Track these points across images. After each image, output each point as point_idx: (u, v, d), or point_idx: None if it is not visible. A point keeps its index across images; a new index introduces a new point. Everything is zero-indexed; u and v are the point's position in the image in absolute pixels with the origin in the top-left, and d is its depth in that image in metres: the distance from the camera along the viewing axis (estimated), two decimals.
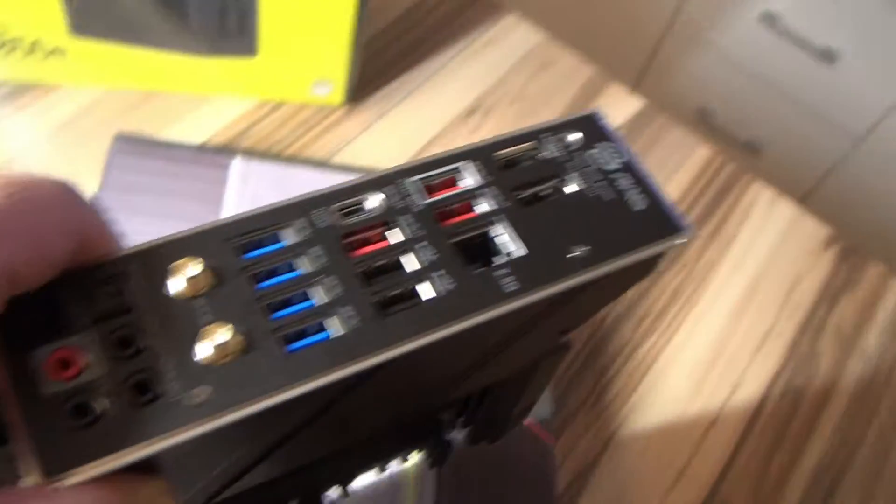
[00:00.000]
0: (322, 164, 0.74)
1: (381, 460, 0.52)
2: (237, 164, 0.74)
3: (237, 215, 0.27)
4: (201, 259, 0.26)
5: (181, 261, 0.26)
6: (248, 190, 0.73)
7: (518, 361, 0.40)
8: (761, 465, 0.59)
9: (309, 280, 0.27)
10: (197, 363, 0.25)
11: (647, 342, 0.66)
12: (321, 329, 0.26)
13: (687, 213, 0.75)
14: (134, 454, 0.24)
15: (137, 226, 0.64)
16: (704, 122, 1.91)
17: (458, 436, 0.54)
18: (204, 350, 0.25)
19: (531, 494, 0.54)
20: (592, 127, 0.33)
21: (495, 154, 0.31)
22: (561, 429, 0.59)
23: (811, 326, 0.70)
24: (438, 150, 0.71)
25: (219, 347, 0.25)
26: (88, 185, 0.66)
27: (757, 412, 0.61)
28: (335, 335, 0.26)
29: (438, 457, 0.54)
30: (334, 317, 0.26)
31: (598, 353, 0.64)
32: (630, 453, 0.59)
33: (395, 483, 0.53)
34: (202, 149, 0.75)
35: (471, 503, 0.52)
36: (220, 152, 0.75)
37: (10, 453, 0.24)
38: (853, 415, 0.65)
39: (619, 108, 0.82)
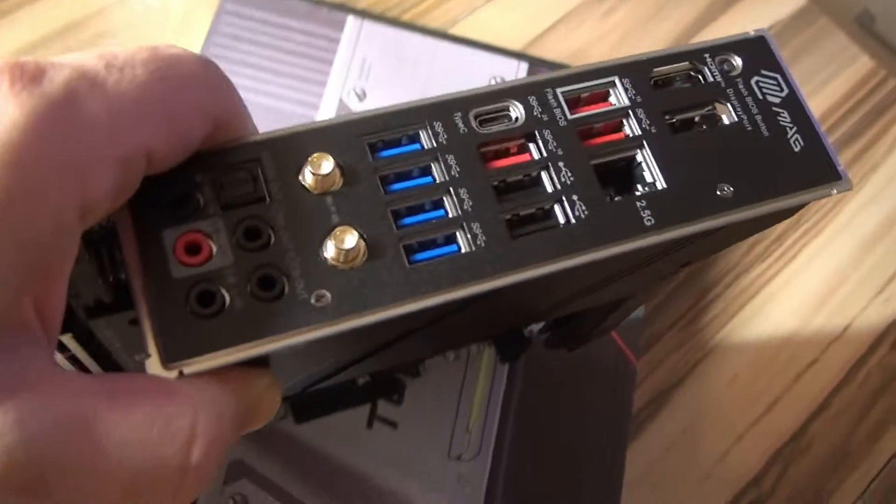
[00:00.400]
0: (439, 34, 0.72)
1: (457, 348, 0.53)
2: (350, 24, 0.72)
3: (373, 111, 0.27)
4: (334, 155, 0.25)
5: (314, 155, 0.25)
6: (358, 51, 0.71)
7: (626, 290, 0.39)
8: (856, 415, 0.56)
9: (441, 188, 0.26)
10: (323, 264, 0.25)
11: (756, 268, 0.64)
12: (449, 242, 0.26)
13: (831, 132, 0.69)
14: (256, 349, 0.24)
15: (244, 79, 0.63)
16: (869, 30, 1.77)
17: (536, 337, 0.54)
18: (330, 252, 0.25)
19: (606, 406, 0.54)
20: (759, 52, 0.30)
21: (648, 72, 0.29)
22: (648, 345, 0.58)
23: None
24: (564, 31, 0.68)
25: (345, 252, 0.25)
26: (198, 30, 0.65)
27: (863, 359, 0.58)
28: (462, 250, 0.26)
29: (512, 352, 0.54)
30: (463, 230, 0.26)
31: (701, 273, 0.62)
32: (717, 381, 0.58)
33: (466, 369, 0.53)
34: (317, 4, 0.73)
35: (543, 403, 0.52)
36: (334, 9, 0.72)
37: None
38: None
39: (777, 3, 0.75)
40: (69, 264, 0.21)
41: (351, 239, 0.24)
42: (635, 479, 0.53)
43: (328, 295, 0.24)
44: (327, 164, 0.25)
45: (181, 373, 0.23)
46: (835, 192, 0.28)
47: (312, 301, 0.24)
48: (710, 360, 0.59)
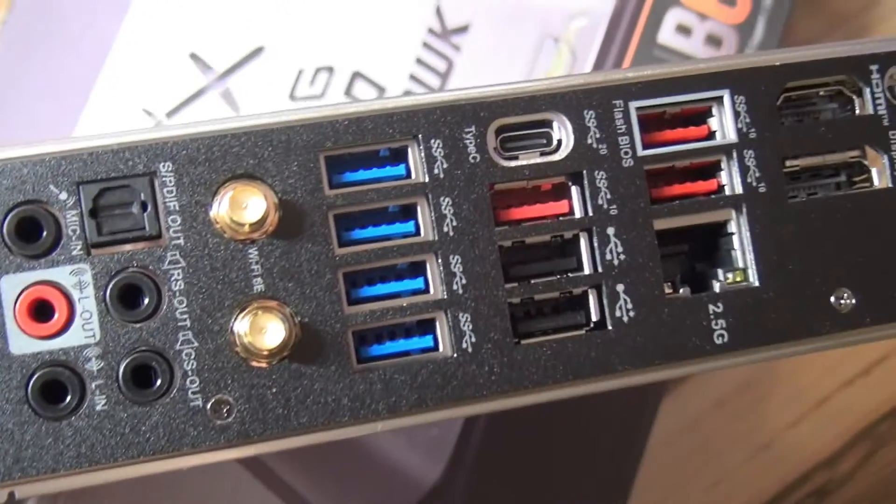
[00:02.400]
0: None
1: None
2: None
3: (341, 106, 0.20)
4: (270, 181, 0.19)
5: (237, 187, 0.19)
6: None
7: None
8: None
9: (425, 248, 0.20)
10: (230, 355, 0.19)
11: None
12: (423, 332, 0.20)
13: None
14: (111, 474, 0.18)
15: None
16: None
17: None
18: (244, 338, 0.19)
19: None
20: None
21: (777, 85, 0.22)
22: None
23: None
24: None
25: (265, 345, 0.19)
26: None
27: None
28: (440, 351, 0.20)
29: None
30: (447, 320, 0.20)
31: None
32: None
33: None
34: None
35: None
36: None
37: None
38: None
39: None
40: None
41: (276, 329, 0.19)
42: (665, 440, 0.46)
43: (231, 404, 0.19)
44: (256, 205, 0.19)
45: (11, 496, 0.18)
46: None
47: (208, 411, 0.19)
48: None
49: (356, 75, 0.36)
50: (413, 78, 0.37)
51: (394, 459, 0.37)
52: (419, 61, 0.37)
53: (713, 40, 0.39)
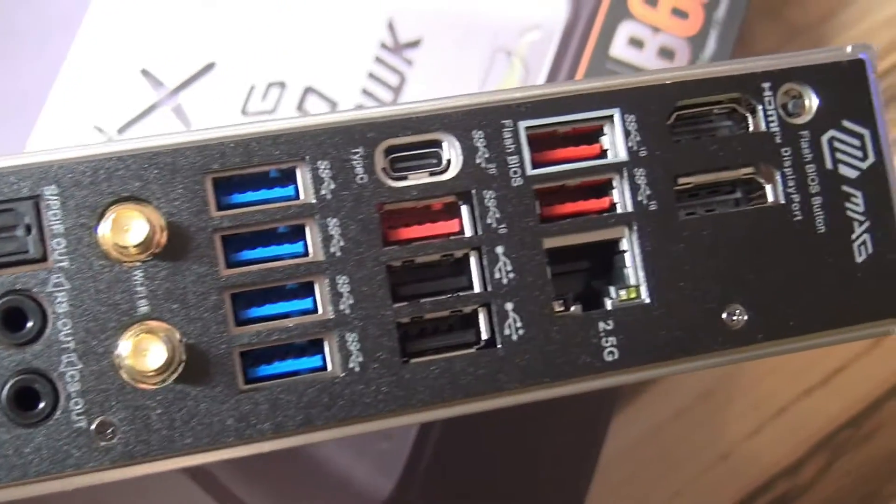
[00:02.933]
0: None
1: None
2: None
3: (229, 129, 0.20)
4: (156, 202, 0.19)
5: (121, 209, 0.19)
6: None
7: None
8: None
9: (313, 269, 0.20)
10: (114, 376, 0.19)
11: None
12: (312, 352, 0.20)
13: None
14: None
15: None
16: None
17: None
18: (128, 360, 0.19)
19: None
20: (850, 87, 0.22)
21: (669, 103, 0.22)
22: None
23: None
24: None
25: (149, 366, 0.19)
26: None
27: None
28: (329, 370, 0.20)
29: None
30: (334, 340, 0.20)
31: None
32: None
33: None
34: None
35: None
36: None
37: None
38: None
39: None
40: None
41: (158, 350, 0.19)
42: (625, 450, 0.46)
43: (115, 426, 0.19)
44: (139, 227, 0.19)
45: None
46: None
47: (92, 433, 0.19)
48: None
49: (308, 90, 0.36)
50: (365, 92, 0.37)
51: (344, 474, 0.38)
52: (371, 76, 0.37)
53: (666, 53, 0.39)
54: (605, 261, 0.22)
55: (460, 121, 0.21)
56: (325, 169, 0.20)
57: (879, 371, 0.48)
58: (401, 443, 0.39)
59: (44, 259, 0.19)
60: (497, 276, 0.21)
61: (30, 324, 0.19)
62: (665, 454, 0.45)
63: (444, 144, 0.21)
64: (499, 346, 0.21)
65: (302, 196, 0.20)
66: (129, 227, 0.19)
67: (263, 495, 0.39)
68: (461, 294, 0.21)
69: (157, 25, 0.39)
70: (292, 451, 0.35)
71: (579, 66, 0.38)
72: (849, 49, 0.22)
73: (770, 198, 0.22)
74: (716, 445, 0.45)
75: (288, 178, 0.21)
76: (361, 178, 0.20)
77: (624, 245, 0.22)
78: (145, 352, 0.19)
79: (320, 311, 0.21)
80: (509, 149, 0.21)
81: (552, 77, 0.38)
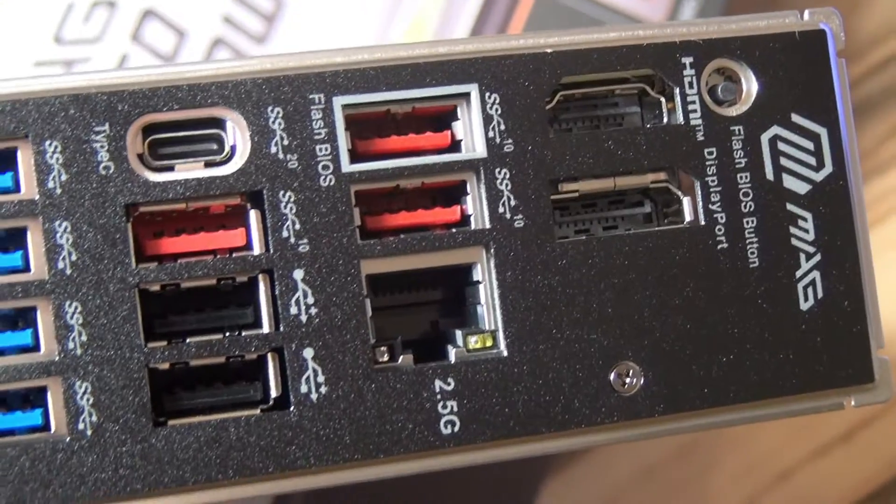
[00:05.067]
0: None
1: None
2: None
3: None
4: None
5: None
6: None
7: None
8: None
9: (24, 291, 0.20)
10: None
11: None
12: (29, 405, 0.20)
13: None
14: None
15: None
16: None
17: None
18: None
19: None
20: (800, 69, 0.22)
21: (549, 80, 0.21)
22: None
23: None
24: None
25: None
26: None
27: None
28: (53, 431, 0.19)
29: None
30: (63, 390, 0.20)
31: None
32: None
33: None
34: None
35: None
36: None
37: None
38: None
39: None
40: None
41: None
42: None
43: None
44: None
45: None
46: (853, 403, 0.22)
47: None
48: None
49: (148, 13, 0.35)
50: (229, 21, 0.36)
51: None
52: None
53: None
54: (455, 293, 0.21)
55: (250, 92, 0.20)
56: (54, 152, 0.19)
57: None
58: None
59: None
60: (294, 310, 0.20)
61: None
62: None
63: (228, 125, 0.21)
64: (292, 407, 0.20)
65: (23, 189, 0.20)
66: None
67: None
68: (243, 334, 0.20)
69: None
70: None
71: (514, 13, 0.37)
72: (806, 16, 0.21)
73: (687, 216, 0.22)
74: None
75: (4, 162, 0.20)
76: (106, 168, 0.20)
77: (477, 274, 0.21)
78: None
79: (42, 349, 0.20)
80: (318, 134, 0.20)
81: (477, 32, 0.38)
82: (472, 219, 0.21)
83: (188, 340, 0.20)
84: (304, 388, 0.20)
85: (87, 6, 0.35)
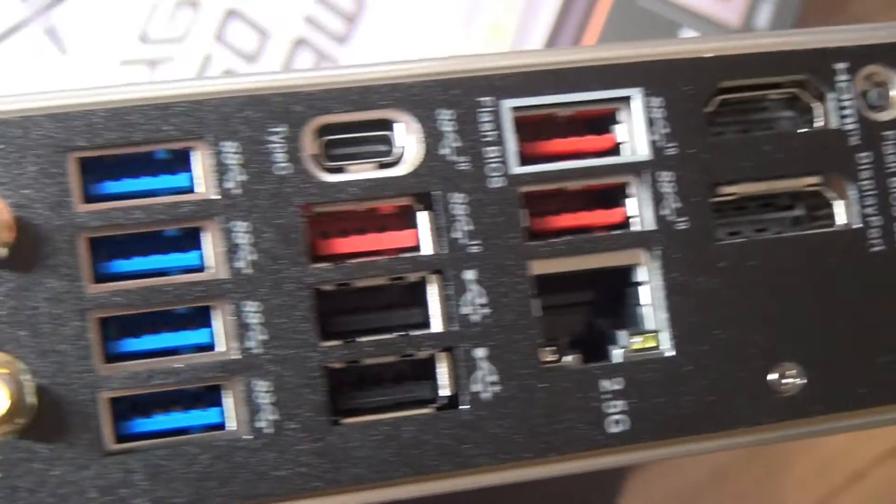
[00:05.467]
0: None
1: None
2: None
3: (76, 93, 0.21)
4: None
5: None
6: None
7: None
8: None
9: (212, 289, 0.21)
10: None
11: None
12: (207, 403, 0.21)
13: None
14: None
15: None
16: None
17: None
18: None
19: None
20: None
21: (708, 85, 0.22)
22: None
23: None
24: None
25: None
26: None
27: None
28: (229, 428, 0.20)
29: None
30: (239, 390, 0.21)
31: None
32: None
33: None
34: None
35: None
36: None
37: None
38: None
39: None
40: None
41: None
42: None
43: None
44: None
45: None
46: None
47: None
48: None
49: (231, 14, 0.36)
50: (311, 22, 0.36)
51: None
52: None
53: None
54: (613, 294, 0.22)
55: (421, 95, 0.21)
56: (232, 153, 0.20)
57: None
58: None
59: None
60: (465, 310, 0.21)
61: None
62: None
63: (398, 127, 0.21)
64: (464, 406, 0.21)
65: (199, 189, 0.21)
66: None
67: None
68: (414, 333, 0.21)
69: None
70: None
71: (591, 17, 0.38)
72: None
73: (841, 219, 0.22)
74: None
75: (180, 162, 0.21)
76: (283, 168, 0.20)
77: (640, 275, 0.22)
78: None
79: (220, 348, 0.21)
80: (488, 137, 0.21)
81: (555, 36, 0.38)
82: (633, 221, 0.21)
83: (360, 340, 0.20)
84: (476, 387, 0.20)
85: (172, 6, 0.36)
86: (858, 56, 0.22)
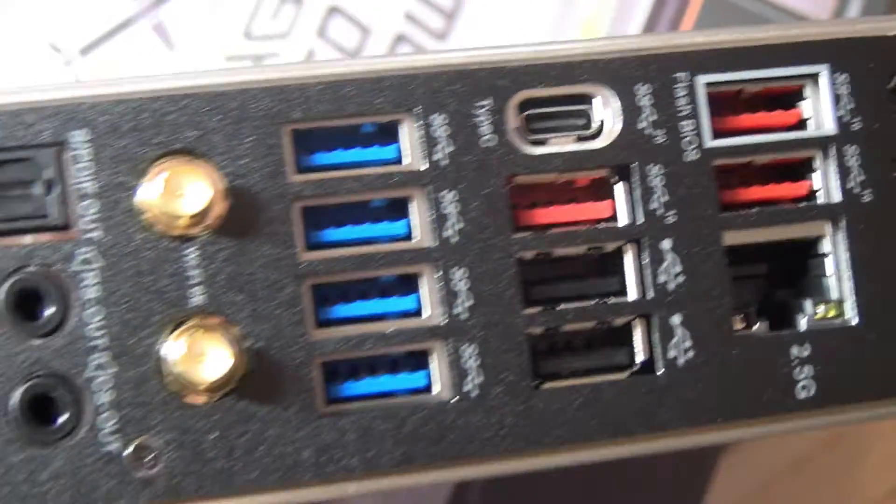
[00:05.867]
0: None
1: None
2: None
3: (290, 67, 0.22)
4: (217, 161, 0.21)
5: (174, 164, 0.20)
6: None
7: None
8: None
9: (420, 256, 0.22)
10: (157, 387, 0.21)
11: None
12: (414, 367, 0.22)
13: None
14: None
15: None
16: None
17: None
18: (177, 364, 0.20)
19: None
20: None
21: (888, 61, 0.23)
22: None
23: None
24: None
25: (204, 376, 0.20)
26: None
27: None
28: (434, 393, 0.21)
29: None
30: (446, 352, 0.21)
31: None
32: None
33: None
34: None
35: None
36: None
37: None
38: None
39: None
40: None
41: (220, 356, 0.20)
42: None
43: (157, 452, 0.20)
44: (197, 191, 0.20)
45: None
46: None
47: (126, 459, 0.20)
48: None
49: (332, 10, 0.37)
50: (410, 18, 0.37)
51: None
52: None
53: None
54: (795, 266, 0.23)
55: (620, 70, 0.22)
56: (441, 126, 0.21)
57: None
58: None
59: (67, 227, 0.20)
60: (662, 279, 0.22)
61: (48, 311, 0.20)
62: None
63: (597, 101, 0.22)
64: (660, 371, 0.22)
65: (407, 160, 0.21)
66: (183, 191, 0.20)
67: None
68: (612, 301, 0.22)
69: None
70: None
71: (683, 15, 0.38)
72: None
73: None
74: None
75: (388, 135, 0.22)
76: (488, 140, 0.21)
77: (825, 246, 0.23)
78: (201, 356, 0.20)
79: (427, 313, 0.21)
80: (683, 111, 0.22)
81: (653, 20, 0.39)
82: (819, 193, 0.22)
83: (560, 307, 0.21)
84: (672, 353, 0.21)
85: (276, 3, 0.36)
86: None
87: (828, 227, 0.22)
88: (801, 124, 0.22)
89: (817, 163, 0.22)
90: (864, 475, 0.47)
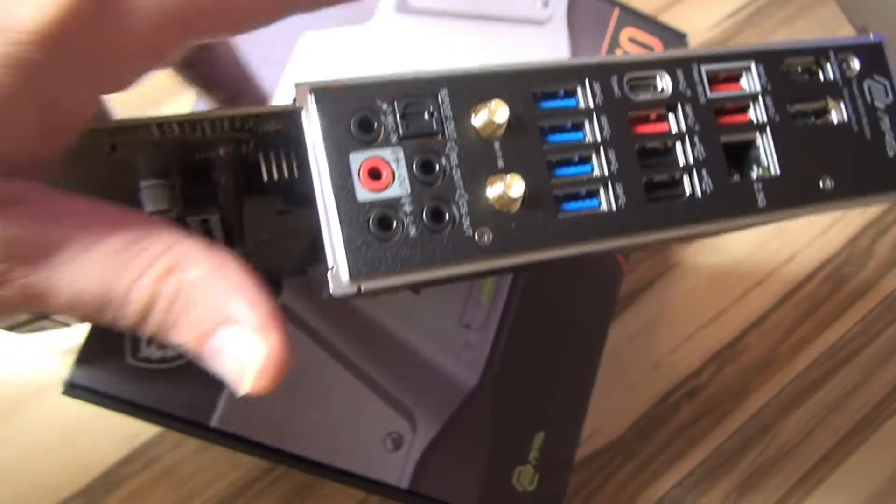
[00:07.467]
0: None
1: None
2: None
3: (542, 63, 0.34)
4: (507, 102, 0.33)
5: (494, 102, 0.33)
6: None
7: None
8: (785, 330, 0.84)
9: (591, 147, 0.35)
10: (486, 204, 0.32)
11: None
12: (591, 196, 0.35)
13: None
14: (426, 274, 0.31)
15: None
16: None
17: None
18: (494, 194, 0.32)
19: (595, 295, 0.69)
20: (875, 57, 0.39)
21: (781, 61, 0.37)
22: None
23: (876, 227, 0.89)
24: None
25: (508, 196, 0.32)
26: None
27: (799, 286, 0.86)
28: (602, 207, 0.34)
29: None
30: (606, 189, 0.34)
31: None
32: (681, 286, 0.82)
33: None
34: None
35: (543, 287, 0.65)
36: None
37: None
38: (880, 315, 0.86)
39: None
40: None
41: (518, 187, 0.32)
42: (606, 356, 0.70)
43: (489, 233, 0.32)
44: (503, 112, 0.32)
45: (360, 289, 0.30)
46: None
47: (475, 237, 0.32)
48: (679, 267, 0.83)
49: None
50: None
51: (442, 371, 0.60)
52: None
53: None
54: (742, 157, 0.37)
55: (671, 64, 0.35)
56: (597, 88, 0.35)
57: (745, 312, 0.85)
58: (481, 352, 0.62)
59: (442, 133, 0.32)
60: (696, 155, 0.36)
61: (436, 170, 0.32)
62: (620, 364, 0.79)
63: (659, 78, 0.36)
64: (698, 195, 0.35)
65: (581, 104, 0.35)
66: (495, 116, 0.32)
67: (383, 374, 0.59)
68: (674, 164, 0.35)
69: None
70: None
71: None
72: (872, 37, 0.38)
73: (835, 119, 0.38)
74: (650, 358, 0.80)
75: (572, 94, 0.35)
76: (617, 94, 0.35)
77: (759, 143, 0.37)
78: (511, 186, 0.32)
79: (596, 172, 0.34)
80: (697, 81, 0.36)
81: None
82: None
83: (652, 165, 0.36)
84: (696, 186, 0.36)
85: None
86: None
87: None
88: None
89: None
90: (659, 343, 0.86)
